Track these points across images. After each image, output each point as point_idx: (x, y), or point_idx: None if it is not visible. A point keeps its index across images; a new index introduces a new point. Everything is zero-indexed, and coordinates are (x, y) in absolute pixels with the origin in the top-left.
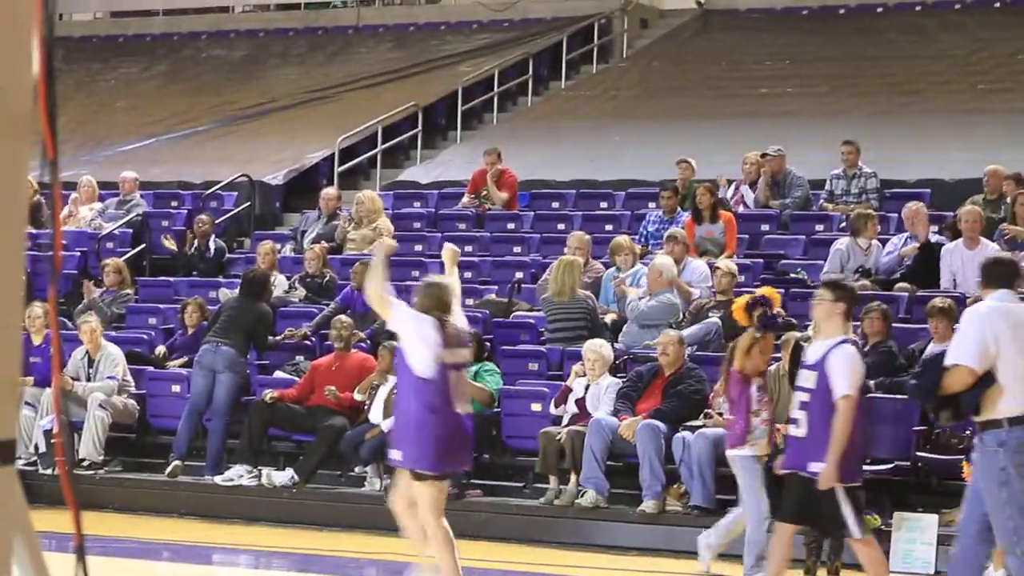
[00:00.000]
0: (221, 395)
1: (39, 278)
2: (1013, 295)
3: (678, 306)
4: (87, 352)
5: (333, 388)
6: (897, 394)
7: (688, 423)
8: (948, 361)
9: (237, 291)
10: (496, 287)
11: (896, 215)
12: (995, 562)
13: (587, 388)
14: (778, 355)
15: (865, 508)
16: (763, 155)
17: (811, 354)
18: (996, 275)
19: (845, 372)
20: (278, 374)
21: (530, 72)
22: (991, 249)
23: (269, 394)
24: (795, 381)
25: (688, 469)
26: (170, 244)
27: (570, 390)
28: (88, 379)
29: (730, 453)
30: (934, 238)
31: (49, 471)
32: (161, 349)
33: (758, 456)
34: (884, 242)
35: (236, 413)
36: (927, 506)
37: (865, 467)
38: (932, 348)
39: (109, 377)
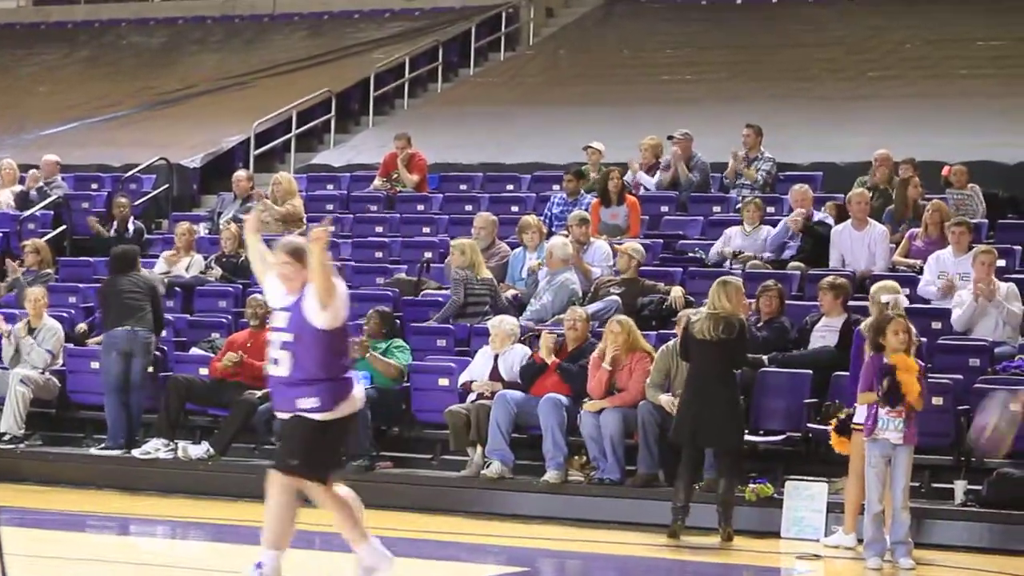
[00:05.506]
0: (138, 374)
1: None
2: None
3: (576, 289)
4: (28, 322)
5: (234, 356)
6: (789, 367)
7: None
8: None
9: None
10: (406, 266)
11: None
12: (845, 526)
13: (496, 358)
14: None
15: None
16: (669, 137)
17: None
18: None
19: None
20: (194, 351)
21: (440, 59)
22: (878, 230)
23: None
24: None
25: (597, 446)
26: (95, 226)
27: (472, 382)
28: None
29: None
30: (818, 217)
31: None
32: (82, 327)
33: (891, 443)
34: (776, 222)
35: (152, 388)
36: (817, 475)
37: (758, 438)
38: (824, 321)
39: (47, 351)
